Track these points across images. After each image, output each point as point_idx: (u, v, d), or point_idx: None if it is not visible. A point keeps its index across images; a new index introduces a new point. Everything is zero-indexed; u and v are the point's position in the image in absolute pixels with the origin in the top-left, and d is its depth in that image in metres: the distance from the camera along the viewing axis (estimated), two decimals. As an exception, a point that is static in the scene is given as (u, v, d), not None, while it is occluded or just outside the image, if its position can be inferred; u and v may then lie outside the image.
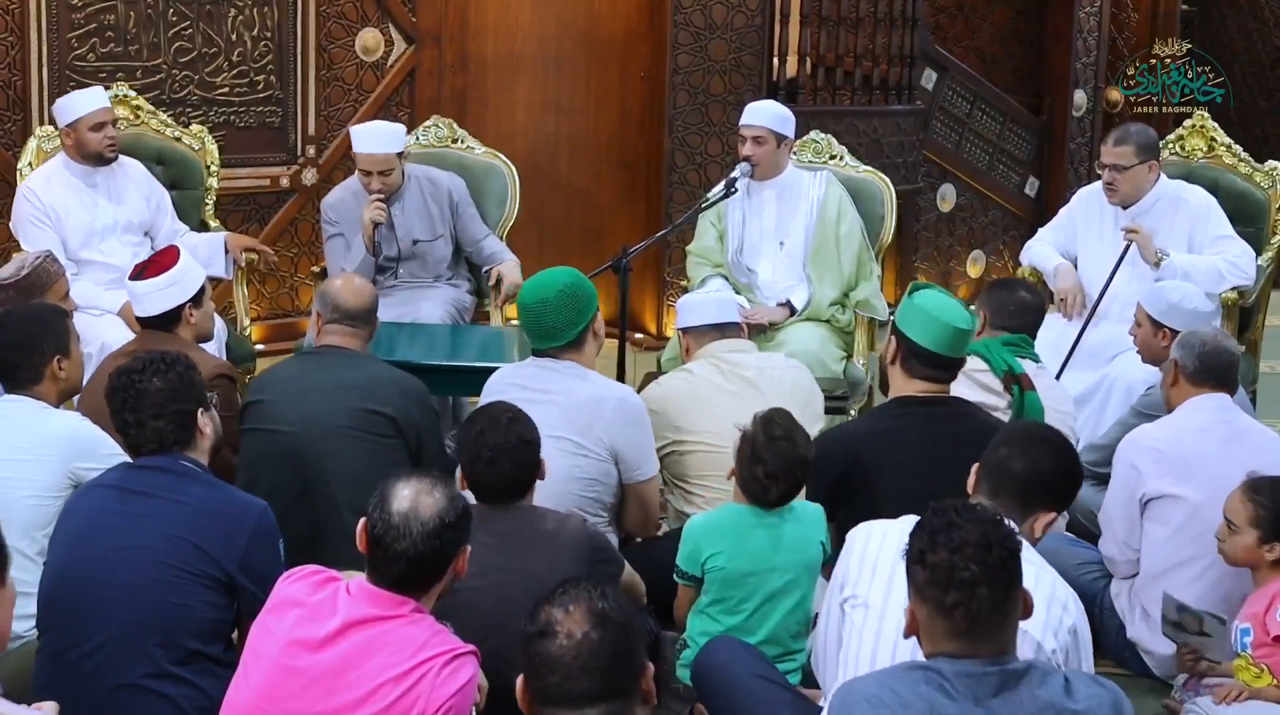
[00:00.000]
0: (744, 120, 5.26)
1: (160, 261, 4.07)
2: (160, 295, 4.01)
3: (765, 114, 5.25)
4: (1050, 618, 2.62)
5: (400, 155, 5.29)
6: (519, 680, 2.11)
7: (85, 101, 5.14)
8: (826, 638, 2.89)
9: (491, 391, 3.81)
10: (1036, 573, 2.48)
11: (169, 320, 4.01)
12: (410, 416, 3.81)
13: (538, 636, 2.07)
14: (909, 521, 2.75)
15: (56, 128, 5.22)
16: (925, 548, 2.28)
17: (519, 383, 3.76)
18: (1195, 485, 3.67)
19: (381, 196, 5.18)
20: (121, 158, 5.25)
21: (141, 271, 4.06)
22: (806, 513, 3.41)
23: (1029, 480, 2.85)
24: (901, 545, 2.67)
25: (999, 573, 2.24)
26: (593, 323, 3.82)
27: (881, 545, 2.76)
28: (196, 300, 4.04)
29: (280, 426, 3.76)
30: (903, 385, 3.53)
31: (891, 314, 5.04)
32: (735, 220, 5.27)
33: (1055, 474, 2.89)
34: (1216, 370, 3.81)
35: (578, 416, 3.68)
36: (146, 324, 4.05)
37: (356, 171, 5.32)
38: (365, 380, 3.83)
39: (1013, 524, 2.62)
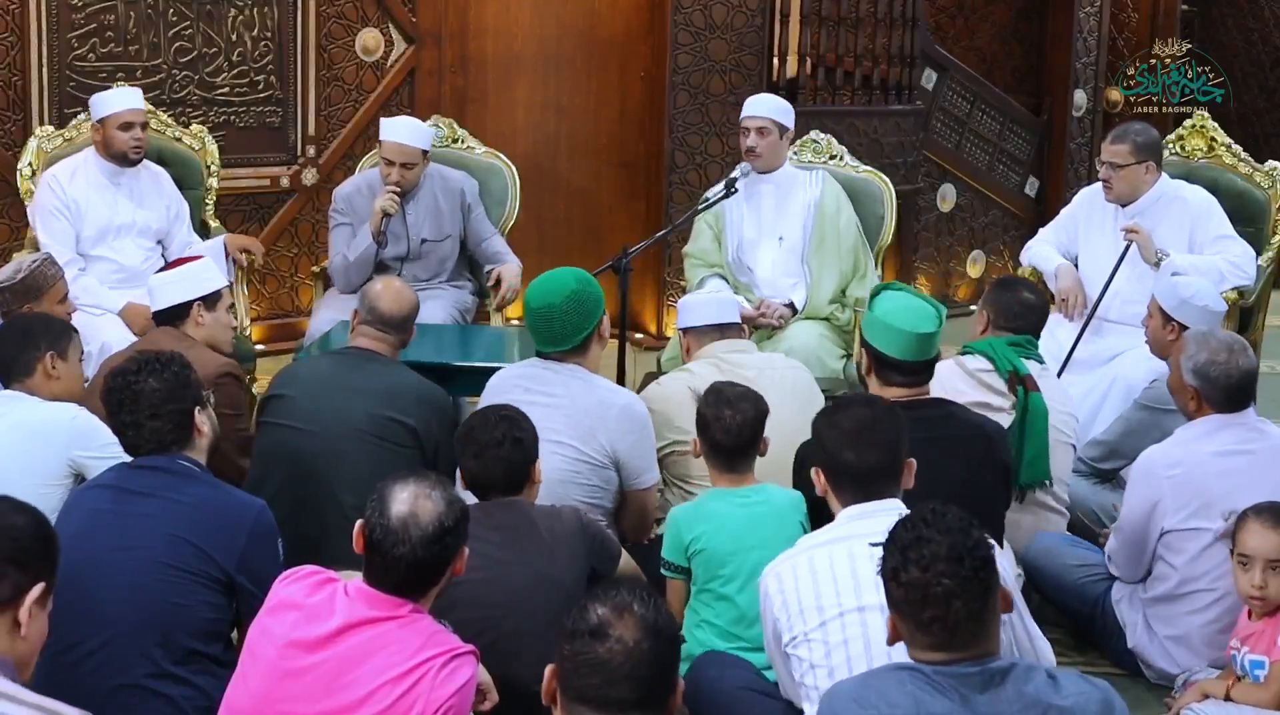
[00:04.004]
0: (746, 112, 5.27)
1: (183, 262, 4.20)
2: (171, 288, 4.08)
3: (767, 105, 5.28)
4: None
5: (425, 155, 5.33)
6: (548, 670, 2.09)
7: (118, 100, 5.20)
8: (782, 680, 2.92)
9: (493, 391, 3.80)
10: None
11: (176, 315, 4.05)
12: (430, 429, 3.81)
13: (587, 635, 2.04)
14: (808, 547, 2.83)
15: (89, 120, 5.26)
16: (898, 566, 2.28)
17: (522, 385, 3.75)
18: (1215, 516, 3.60)
19: (397, 189, 5.20)
20: (149, 163, 5.32)
21: (163, 269, 4.21)
22: (780, 494, 3.44)
23: (887, 463, 2.90)
24: (812, 570, 2.75)
25: (972, 584, 2.24)
26: (598, 327, 3.82)
27: (796, 581, 2.78)
28: (209, 303, 4.07)
29: (298, 424, 3.77)
30: (879, 391, 3.54)
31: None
32: (733, 218, 5.27)
33: (899, 439, 2.92)
34: (1244, 399, 3.72)
35: (580, 422, 3.68)
36: (158, 319, 4.11)
37: (379, 161, 5.35)
38: (389, 387, 3.83)
39: (899, 502, 2.73)
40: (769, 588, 2.83)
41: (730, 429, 3.41)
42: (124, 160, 5.17)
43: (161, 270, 4.21)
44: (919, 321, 3.47)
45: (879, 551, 2.63)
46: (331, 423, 3.74)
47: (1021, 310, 4.18)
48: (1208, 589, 3.63)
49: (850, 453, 2.89)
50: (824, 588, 2.73)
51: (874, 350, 3.51)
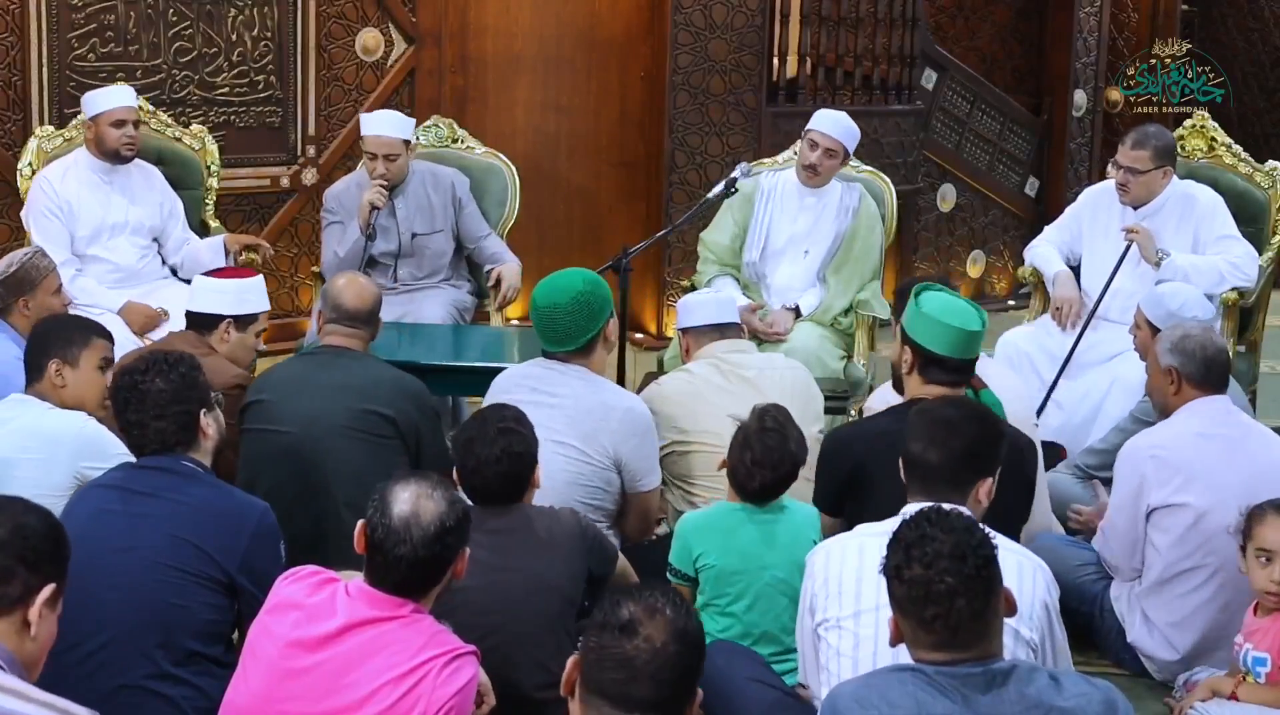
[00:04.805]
0: (821, 128, 5.15)
1: (236, 272, 4.25)
2: (211, 295, 4.12)
3: (843, 128, 5.17)
4: (1023, 604, 2.63)
5: (408, 146, 5.31)
6: (570, 660, 2.09)
7: (111, 97, 5.21)
8: (805, 658, 2.92)
9: (498, 390, 3.81)
10: (1000, 556, 2.47)
11: (204, 323, 4.08)
12: (409, 417, 3.80)
13: (616, 630, 2.03)
14: (864, 534, 2.81)
15: (82, 118, 5.27)
16: (901, 563, 2.28)
17: (526, 384, 3.76)
18: (1198, 492, 3.63)
19: (384, 181, 5.19)
20: (141, 161, 5.32)
21: (214, 273, 4.26)
22: (799, 512, 3.42)
23: (949, 466, 2.86)
24: (861, 558, 2.73)
25: (975, 582, 2.24)
26: (604, 329, 3.81)
27: (842, 564, 2.78)
28: (241, 323, 4.10)
29: (280, 426, 3.77)
30: (917, 389, 3.51)
31: (893, 313, 5.05)
32: (762, 222, 5.23)
33: (971, 449, 2.88)
34: (1219, 375, 3.77)
35: (583, 423, 3.68)
36: (189, 320, 4.15)
37: (363, 158, 5.32)
38: (364, 381, 3.83)
39: (964, 509, 2.66)
40: (815, 563, 2.83)
41: (765, 486, 3.38)
42: (116, 158, 5.17)
43: (211, 273, 4.21)
44: (967, 319, 3.43)
45: None
46: (312, 421, 3.74)
47: None
48: (1198, 565, 3.65)
49: (917, 445, 2.88)
50: (868, 577, 2.71)
51: (919, 347, 3.45)
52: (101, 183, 5.19)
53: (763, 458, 3.34)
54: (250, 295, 4.17)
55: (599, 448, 3.69)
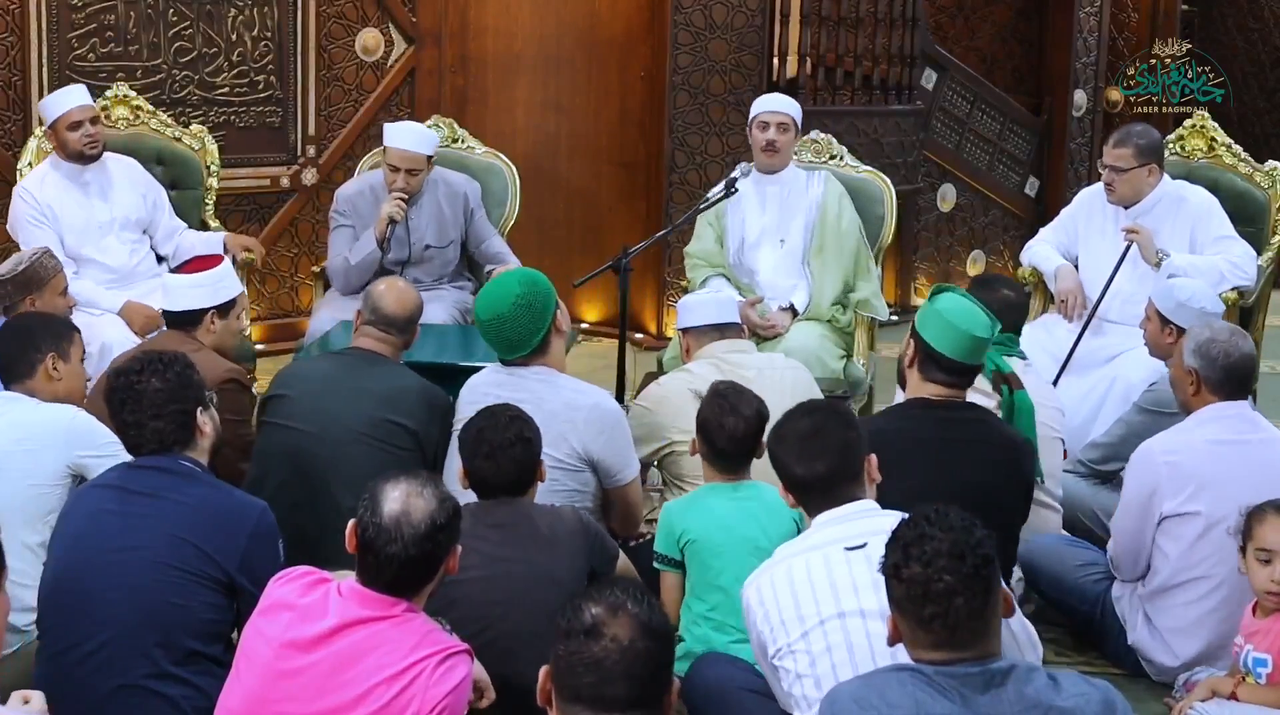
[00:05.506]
0: (765, 108, 5.25)
1: (201, 264, 4.16)
2: (187, 292, 4.05)
3: (786, 102, 5.28)
4: None
5: (430, 161, 5.26)
6: (543, 671, 2.09)
7: (63, 101, 5.13)
8: (776, 692, 2.91)
9: (467, 400, 3.77)
10: None
11: (189, 321, 4.03)
12: (431, 432, 3.79)
13: (581, 634, 2.04)
14: (786, 556, 2.83)
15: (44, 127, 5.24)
16: (899, 562, 2.28)
17: (493, 392, 3.68)
18: (1209, 501, 3.61)
19: (403, 195, 5.18)
20: (113, 155, 5.26)
21: (180, 268, 4.17)
22: (775, 494, 3.42)
23: (839, 468, 2.88)
24: (790, 577, 2.75)
25: (974, 581, 2.24)
26: (554, 323, 3.78)
27: (775, 591, 2.77)
28: (223, 311, 4.07)
29: (298, 424, 3.76)
30: (917, 387, 3.52)
31: (893, 314, 5.06)
32: (735, 219, 5.27)
33: (845, 441, 2.91)
34: (1240, 380, 3.74)
35: (549, 427, 3.57)
36: (169, 320, 4.10)
37: (384, 167, 5.27)
38: (390, 389, 3.81)
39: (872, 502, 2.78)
40: (750, 600, 2.83)
41: (734, 437, 3.42)
42: (82, 159, 5.12)
43: (178, 269, 4.17)
44: (975, 325, 3.45)
45: (856, 555, 2.65)
46: (331, 423, 3.73)
47: (1002, 308, 4.14)
48: (1205, 575, 3.63)
49: (799, 467, 2.89)
50: (803, 596, 2.73)
51: (924, 343, 3.48)
52: (75, 185, 5.13)
53: (728, 405, 3.43)
54: (226, 282, 4.11)
55: (569, 450, 3.65)
